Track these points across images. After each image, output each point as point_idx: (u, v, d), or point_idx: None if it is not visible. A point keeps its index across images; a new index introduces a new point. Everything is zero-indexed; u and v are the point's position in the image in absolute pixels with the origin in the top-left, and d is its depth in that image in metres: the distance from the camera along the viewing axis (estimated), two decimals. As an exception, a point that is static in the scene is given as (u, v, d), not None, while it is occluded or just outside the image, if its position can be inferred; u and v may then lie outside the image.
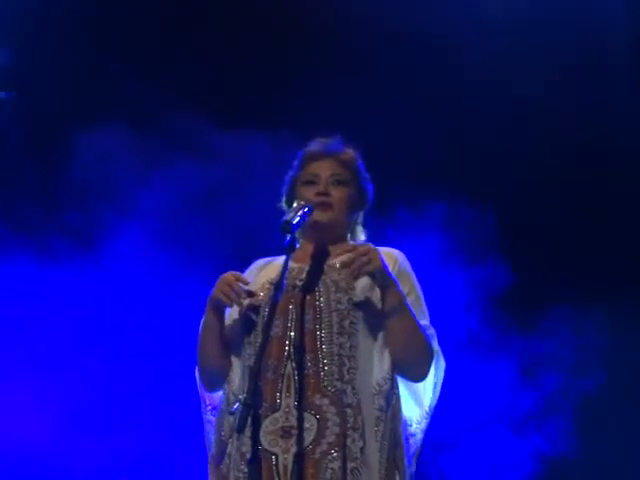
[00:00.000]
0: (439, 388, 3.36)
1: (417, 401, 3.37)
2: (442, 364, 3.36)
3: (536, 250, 5.58)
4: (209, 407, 3.44)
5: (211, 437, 3.38)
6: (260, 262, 3.49)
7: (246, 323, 3.33)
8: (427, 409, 3.36)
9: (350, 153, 3.54)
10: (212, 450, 3.36)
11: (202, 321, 3.39)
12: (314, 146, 3.54)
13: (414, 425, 3.37)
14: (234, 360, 3.38)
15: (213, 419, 3.40)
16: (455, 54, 5.48)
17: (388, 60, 5.55)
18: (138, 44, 5.64)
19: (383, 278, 3.27)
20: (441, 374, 3.35)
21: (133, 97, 5.44)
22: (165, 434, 5.38)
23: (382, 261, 3.27)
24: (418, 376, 3.31)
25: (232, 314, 3.39)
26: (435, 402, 3.37)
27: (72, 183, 5.53)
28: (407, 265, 3.43)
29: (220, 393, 3.41)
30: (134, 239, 5.44)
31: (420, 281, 3.50)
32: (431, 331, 3.35)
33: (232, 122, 5.41)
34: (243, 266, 3.53)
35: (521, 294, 5.50)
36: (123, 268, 5.44)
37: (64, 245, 5.46)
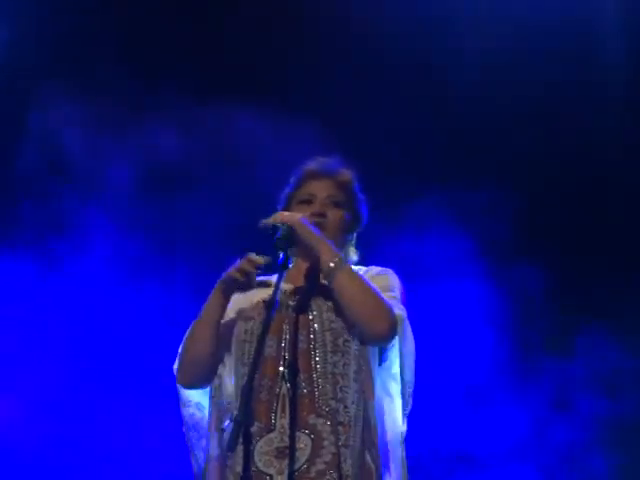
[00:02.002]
0: (411, 361, 3.34)
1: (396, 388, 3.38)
2: (409, 334, 3.34)
3: (569, 266, 5.56)
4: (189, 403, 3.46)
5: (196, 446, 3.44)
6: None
7: (240, 343, 3.37)
8: (407, 390, 3.36)
9: (347, 174, 3.58)
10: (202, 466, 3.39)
11: (204, 305, 3.42)
12: (312, 165, 3.57)
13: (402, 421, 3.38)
14: (227, 376, 3.41)
15: (198, 415, 3.43)
16: (455, 55, 5.55)
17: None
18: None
19: (305, 234, 3.30)
20: (410, 345, 3.34)
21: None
22: (148, 435, 5.41)
23: (308, 225, 3.32)
24: (377, 333, 3.29)
25: (228, 325, 3.44)
26: (412, 379, 3.36)
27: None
28: (392, 275, 3.48)
29: (194, 392, 3.44)
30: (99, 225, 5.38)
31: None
32: (394, 301, 3.35)
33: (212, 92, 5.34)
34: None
35: (553, 313, 5.51)
36: (88, 259, 5.42)
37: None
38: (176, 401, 3.48)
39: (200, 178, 5.34)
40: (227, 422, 3.10)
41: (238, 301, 3.45)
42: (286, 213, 3.38)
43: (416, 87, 5.47)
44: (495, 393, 5.47)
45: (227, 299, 3.38)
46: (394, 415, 3.34)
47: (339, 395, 3.24)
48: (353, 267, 3.42)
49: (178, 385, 3.47)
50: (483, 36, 5.47)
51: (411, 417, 3.16)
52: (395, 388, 3.36)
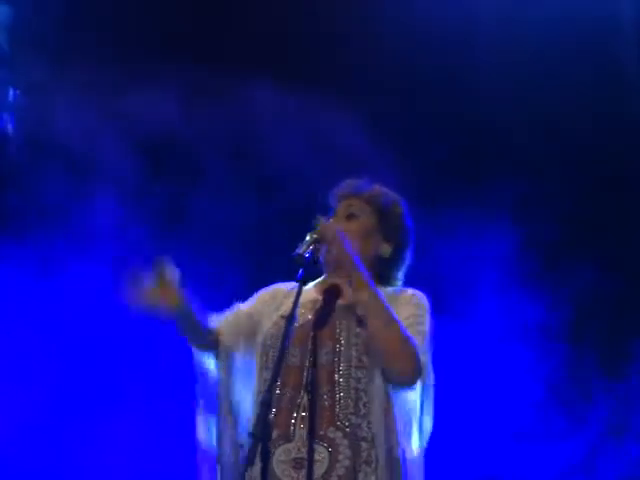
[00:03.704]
0: (430, 409, 3.36)
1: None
2: (430, 382, 3.35)
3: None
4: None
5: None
6: (282, 288, 3.55)
7: (266, 347, 3.41)
8: (422, 435, 3.37)
9: (375, 190, 3.60)
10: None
11: None
12: (340, 188, 3.62)
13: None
14: (245, 391, 3.46)
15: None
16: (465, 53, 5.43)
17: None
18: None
19: (347, 264, 3.35)
20: (430, 393, 3.35)
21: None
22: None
23: (345, 247, 3.35)
24: (401, 374, 3.28)
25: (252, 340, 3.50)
26: (429, 427, 3.38)
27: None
28: (423, 302, 3.46)
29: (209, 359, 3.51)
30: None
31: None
32: (420, 338, 3.34)
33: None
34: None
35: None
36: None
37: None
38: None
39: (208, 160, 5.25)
40: (245, 437, 3.19)
41: (269, 301, 3.53)
42: (329, 225, 3.40)
43: (448, 78, 5.39)
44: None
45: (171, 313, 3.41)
46: (412, 437, 3.34)
47: (362, 411, 3.28)
48: (387, 290, 3.45)
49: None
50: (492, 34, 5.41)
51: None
52: (412, 416, 3.35)
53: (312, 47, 5.33)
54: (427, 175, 5.20)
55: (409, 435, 3.32)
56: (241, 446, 3.16)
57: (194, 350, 3.50)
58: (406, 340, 3.25)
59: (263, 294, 3.56)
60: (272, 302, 3.50)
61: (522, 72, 5.37)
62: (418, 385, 3.30)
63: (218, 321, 3.52)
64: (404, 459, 3.28)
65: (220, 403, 3.44)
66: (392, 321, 3.26)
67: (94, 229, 5.31)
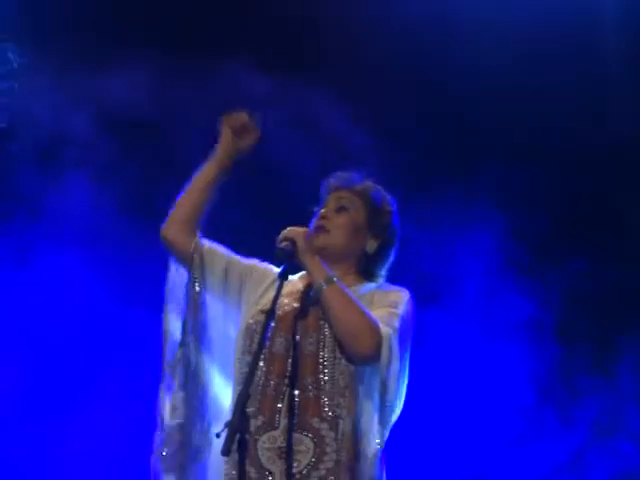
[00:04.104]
0: (394, 383, 3.30)
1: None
2: (396, 354, 3.30)
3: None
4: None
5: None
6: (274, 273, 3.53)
7: (250, 331, 3.41)
8: (388, 410, 3.33)
9: (366, 184, 3.61)
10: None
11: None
12: (331, 179, 3.63)
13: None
14: (224, 384, 3.48)
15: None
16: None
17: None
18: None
19: (301, 251, 3.34)
20: (395, 366, 3.29)
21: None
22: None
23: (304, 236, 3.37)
24: (360, 352, 3.26)
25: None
26: (396, 402, 3.34)
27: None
28: (404, 295, 3.45)
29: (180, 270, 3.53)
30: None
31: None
32: (389, 317, 3.33)
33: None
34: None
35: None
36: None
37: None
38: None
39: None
40: (222, 427, 3.04)
41: (260, 272, 3.54)
42: (292, 228, 3.41)
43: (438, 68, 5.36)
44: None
45: (222, 161, 3.53)
46: (371, 431, 3.31)
47: (345, 402, 3.27)
48: (370, 285, 3.49)
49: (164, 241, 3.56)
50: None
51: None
52: (374, 405, 3.33)
53: (294, 31, 5.30)
54: (411, 165, 5.17)
55: (381, 423, 3.31)
56: (217, 436, 3.07)
57: (171, 238, 3.51)
58: (367, 319, 3.25)
59: (261, 267, 3.56)
60: (263, 279, 3.51)
61: (507, 65, 5.32)
62: (386, 367, 3.27)
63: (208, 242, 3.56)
64: (364, 456, 3.27)
65: (189, 321, 3.46)
66: (351, 302, 3.27)
67: (66, 216, 5.27)
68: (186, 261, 3.50)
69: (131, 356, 5.22)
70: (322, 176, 3.63)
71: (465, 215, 5.26)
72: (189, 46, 5.17)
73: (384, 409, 3.31)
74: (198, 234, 3.52)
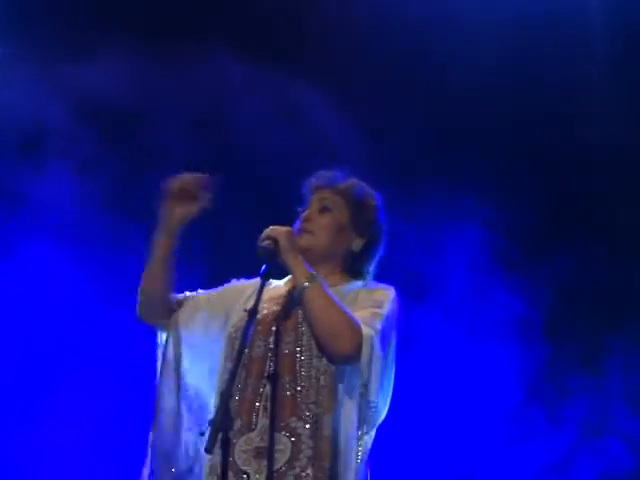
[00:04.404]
0: (377, 384, 3.31)
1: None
2: (377, 354, 3.30)
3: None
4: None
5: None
6: (253, 284, 3.53)
7: (231, 339, 3.44)
8: (371, 411, 3.34)
9: (349, 182, 3.59)
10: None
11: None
12: (313, 179, 3.61)
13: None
14: (208, 386, 3.48)
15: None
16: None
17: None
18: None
19: (284, 250, 3.35)
20: (377, 366, 3.30)
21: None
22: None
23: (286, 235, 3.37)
24: (339, 352, 3.28)
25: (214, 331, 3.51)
26: (380, 402, 3.34)
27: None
28: (389, 294, 3.45)
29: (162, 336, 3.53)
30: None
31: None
32: (372, 318, 3.34)
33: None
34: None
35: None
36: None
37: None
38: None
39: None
40: (205, 425, 3.12)
41: (234, 290, 3.56)
42: (275, 227, 3.41)
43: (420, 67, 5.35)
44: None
45: (168, 232, 3.45)
46: (350, 430, 3.32)
47: (322, 401, 3.29)
48: (357, 283, 3.50)
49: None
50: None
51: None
52: (355, 405, 3.34)
53: (278, 19, 5.29)
54: (397, 161, 5.17)
55: (365, 423, 3.33)
56: (202, 434, 3.17)
57: (149, 321, 3.53)
58: (347, 319, 3.26)
59: (234, 285, 3.58)
60: (241, 294, 3.52)
61: (493, 62, 5.32)
62: (367, 367, 3.28)
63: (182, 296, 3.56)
64: (337, 455, 3.27)
65: (167, 380, 3.46)
66: (332, 302, 3.28)
67: (48, 208, 5.24)
68: (165, 331, 3.52)
69: (111, 352, 5.20)
70: (304, 171, 3.61)
71: (452, 212, 5.24)
72: (172, 34, 5.14)
73: (367, 410, 3.31)
74: (173, 302, 3.51)
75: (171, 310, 3.51)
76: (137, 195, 4.93)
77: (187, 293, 3.56)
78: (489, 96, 5.26)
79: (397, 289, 3.45)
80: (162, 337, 3.54)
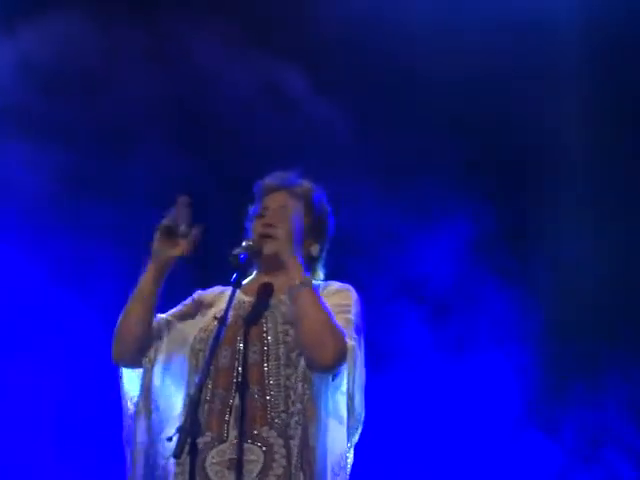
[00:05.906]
0: (360, 393, 3.34)
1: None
2: (360, 365, 3.34)
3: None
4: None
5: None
6: (216, 291, 3.58)
7: (195, 352, 3.44)
8: (355, 418, 3.35)
9: (305, 185, 3.62)
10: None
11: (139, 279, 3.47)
12: (268, 179, 3.62)
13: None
14: (177, 391, 3.46)
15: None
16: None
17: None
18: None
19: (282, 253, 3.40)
20: (360, 377, 3.34)
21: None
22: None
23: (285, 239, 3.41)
24: (321, 362, 3.28)
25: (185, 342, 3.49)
26: (361, 410, 3.36)
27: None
28: (350, 293, 3.48)
29: (135, 372, 3.47)
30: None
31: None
32: (348, 326, 3.36)
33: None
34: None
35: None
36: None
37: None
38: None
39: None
40: (173, 431, 3.04)
41: (203, 304, 3.55)
42: (275, 228, 3.42)
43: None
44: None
45: (159, 271, 3.41)
46: (340, 439, 3.33)
47: (291, 408, 3.30)
48: (316, 283, 3.46)
49: (118, 367, 3.49)
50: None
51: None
52: (344, 412, 3.36)
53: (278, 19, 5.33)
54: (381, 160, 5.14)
55: (336, 436, 3.32)
56: (169, 439, 3.06)
57: (128, 364, 3.43)
58: (333, 329, 3.27)
59: (199, 296, 3.57)
60: (207, 306, 3.51)
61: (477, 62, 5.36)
62: (346, 376, 3.30)
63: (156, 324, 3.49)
64: (324, 464, 3.26)
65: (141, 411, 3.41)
66: (321, 310, 3.29)
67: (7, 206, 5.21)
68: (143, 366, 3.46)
69: (66, 338, 5.14)
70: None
71: (445, 210, 5.20)
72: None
73: (349, 418, 3.31)
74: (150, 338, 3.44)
75: (148, 352, 3.42)
76: (99, 169, 4.88)
77: (160, 316, 3.48)
78: (476, 88, 5.28)
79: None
80: (134, 372, 3.44)
